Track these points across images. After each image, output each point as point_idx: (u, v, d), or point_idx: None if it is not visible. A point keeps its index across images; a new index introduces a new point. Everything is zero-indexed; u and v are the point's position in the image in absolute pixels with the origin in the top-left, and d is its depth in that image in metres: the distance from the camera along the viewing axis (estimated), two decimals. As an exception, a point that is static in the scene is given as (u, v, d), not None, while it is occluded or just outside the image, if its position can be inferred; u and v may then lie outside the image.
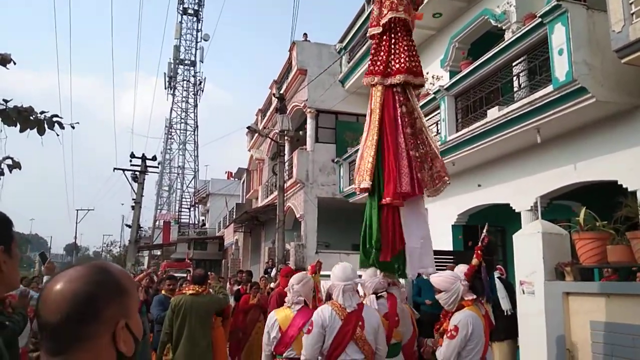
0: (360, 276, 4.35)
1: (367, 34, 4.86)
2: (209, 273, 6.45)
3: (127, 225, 28.23)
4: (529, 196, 8.69)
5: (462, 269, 5.50)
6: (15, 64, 3.33)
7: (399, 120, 4.40)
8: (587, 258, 5.21)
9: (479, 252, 4.02)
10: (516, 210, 9.12)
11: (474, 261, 3.97)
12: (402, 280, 4.98)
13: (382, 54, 4.59)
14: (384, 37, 4.60)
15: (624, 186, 6.89)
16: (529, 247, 5.80)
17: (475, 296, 3.79)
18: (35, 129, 3.14)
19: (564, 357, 5.20)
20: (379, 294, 4.17)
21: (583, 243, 5.23)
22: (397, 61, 4.49)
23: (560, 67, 6.85)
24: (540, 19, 7.18)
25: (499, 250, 11.50)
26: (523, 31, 7.68)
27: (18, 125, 3.11)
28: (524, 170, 8.85)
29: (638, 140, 6.85)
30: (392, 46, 4.53)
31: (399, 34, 4.54)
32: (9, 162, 2.87)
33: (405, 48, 4.51)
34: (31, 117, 3.15)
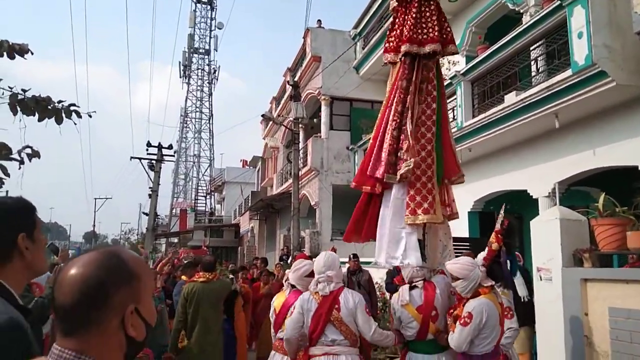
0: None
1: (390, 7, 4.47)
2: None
3: (144, 213, 28.56)
4: (547, 182, 8.58)
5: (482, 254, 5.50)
6: (32, 54, 3.38)
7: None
8: (607, 244, 5.16)
9: (499, 235, 3.88)
10: (533, 197, 9.02)
11: (494, 245, 3.83)
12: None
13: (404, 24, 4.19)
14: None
15: (645, 171, 6.77)
16: (547, 234, 5.75)
17: (493, 282, 3.71)
18: (53, 118, 3.18)
19: (582, 344, 5.17)
20: (413, 284, 3.85)
21: (602, 229, 5.17)
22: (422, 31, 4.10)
23: (579, 51, 6.71)
24: (559, 2, 7.03)
25: (516, 236, 11.43)
26: (541, 14, 7.53)
27: (36, 115, 3.16)
28: (542, 156, 8.73)
29: (660, 124, 6.71)
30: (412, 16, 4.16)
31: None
32: (29, 151, 2.91)
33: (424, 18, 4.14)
34: (49, 107, 3.19)
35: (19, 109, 3.13)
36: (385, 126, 4.12)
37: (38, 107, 3.07)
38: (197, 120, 49.88)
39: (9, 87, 3.03)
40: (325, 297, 3.80)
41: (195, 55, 49.79)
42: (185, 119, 49.85)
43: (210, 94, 50.27)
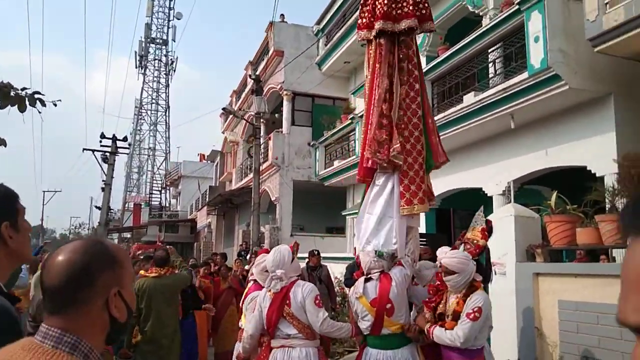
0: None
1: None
2: (168, 247, 6.40)
3: (96, 207, 27.70)
4: (502, 181, 8.91)
5: (445, 250, 5.66)
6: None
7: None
8: (558, 240, 5.41)
9: (485, 233, 4.03)
10: (488, 195, 9.34)
11: (482, 242, 3.96)
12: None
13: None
14: None
15: (593, 172, 7.13)
16: (502, 230, 5.96)
17: (482, 277, 3.74)
18: (16, 106, 3.06)
19: (533, 335, 5.42)
20: (369, 276, 3.74)
21: (554, 226, 5.43)
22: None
23: (535, 55, 6.99)
24: (517, 6, 7.29)
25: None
26: (500, 18, 7.79)
27: (-2, 102, 3.03)
28: (497, 156, 9.05)
29: (607, 127, 7.08)
30: None
31: None
32: (-8, 138, 2.80)
33: None
34: (11, 94, 3.07)
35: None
36: (370, 114, 3.90)
37: (0, 93, 2.95)
38: (153, 112, 48.72)
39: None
40: (276, 293, 3.84)
41: (153, 45, 48.56)
42: (141, 110, 48.55)
43: (167, 86, 49.21)
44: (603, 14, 6.13)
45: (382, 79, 3.75)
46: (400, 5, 3.81)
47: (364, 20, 4.00)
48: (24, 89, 3.12)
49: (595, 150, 7.12)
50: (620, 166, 4.78)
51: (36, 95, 3.30)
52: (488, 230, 4.07)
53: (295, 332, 3.77)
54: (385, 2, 3.78)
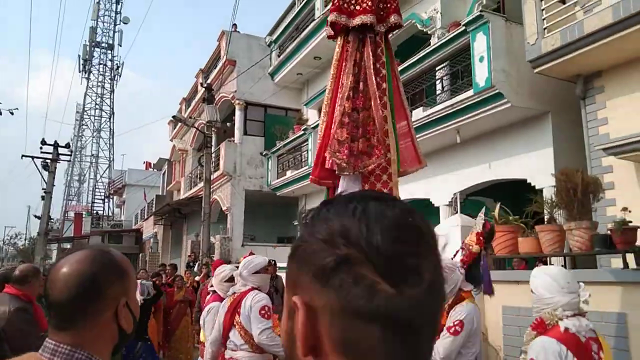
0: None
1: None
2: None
3: (35, 217, 26.41)
4: (448, 192, 9.30)
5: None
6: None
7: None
8: (502, 249, 5.73)
9: (480, 238, 3.63)
10: (435, 205, 9.71)
11: (475, 248, 3.56)
12: None
13: None
14: None
15: (532, 184, 7.59)
16: (449, 239, 6.26)
17: (472, 286, 3.42)
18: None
19: (480, 340, 5.69)
20: None
21: (497, 235, 5.74)
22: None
23: (480, 74, 7.41)
24: (464, 27, 7.70)
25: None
26: (447, 37, 8.20)
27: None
28: (444, 168, 9.44)
29: (546, 143, 7.58)
30: None
31: None
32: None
33: None
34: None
35: None
36: (333, 113, 3.61)
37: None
38: (96, 118, 47.02)
39: None
40: (232, 300, 3.76)
41: (98, 49, 47.03)
42: (83, 116, 46.78)
43: (112, 91, 47.66)
44: (542, 38, 6.60)
45: (347, 76, 3.52)
46: (357, 0, 3.55)
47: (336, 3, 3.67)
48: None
49: (535, 165, 7.59)
50: (557, 180, 5.14)
51: (-9, 103, 3.20)
52: (485, 235, 3.70)
53: (242, 343, 3.65)
54: None
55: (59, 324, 1.08)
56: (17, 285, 3.45)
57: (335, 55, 3.66)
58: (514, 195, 7.79)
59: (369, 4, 3.48)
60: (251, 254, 4.87)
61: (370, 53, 3.51)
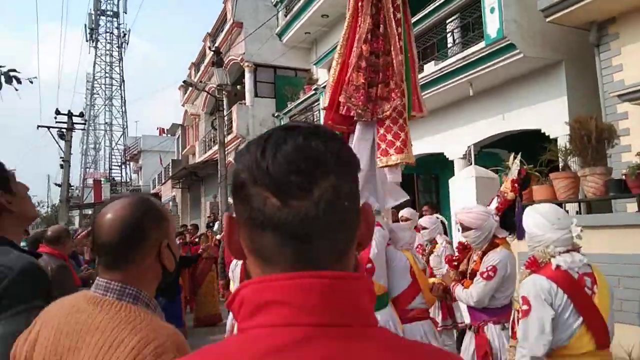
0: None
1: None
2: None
3: (56, 184, 26.98)
4: (462, 145, 9.36)
5: (411, 211, 6.03)
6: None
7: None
8: (516, 198, 5.86)
9: (515, 185, 3.64)
10: (449, 159, 9.79)
11: (510, 195, 3.58)
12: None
13: None
14: None
15: (547, 134, 7.62)
16: (464, 190, 6.41)
17: (508, 233, 3.46)
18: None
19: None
20: None
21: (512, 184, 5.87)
22: None
23: (491, 25, 7.34)
24: (474, -22, 7.58)
25: (433, 194, 12.35)
26: (458, -12, 8.06)
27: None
28: (457, 121, 9.47)
29: (560, 92, 7.56)
30: None
31: None
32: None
33: None
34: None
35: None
36: (349, 56, 3.52)
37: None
38: (107, 86, 47.12)
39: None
40: None
41: (103, 17, 46.61)
42: (94, 85, 46.90)
43: (121, 59, 47.57)
44: (554, -15, 6.50)
45: (365, 17, 3.41)
46: None
47: None
48: (-1, 66, 3.19)
49: (549, 114, 7.60)
50: (572, 128, 5.20)
51: (12, 73, 3.37)
52: (520, 182, 3.71)
53: None
54: None
55: (109, 264, 1.19)
56: (51, 245, 3.68)
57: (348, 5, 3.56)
58: (529, 146, 7.79)
59: None
60: None
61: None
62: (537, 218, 2.53)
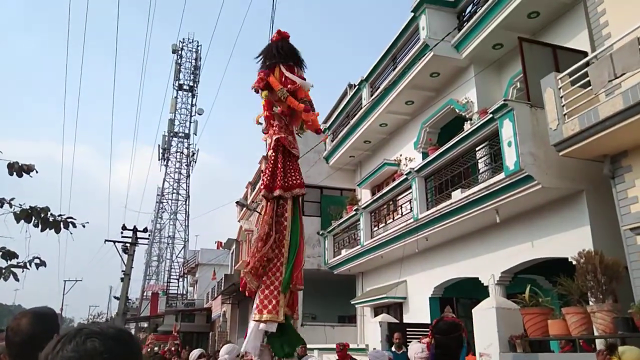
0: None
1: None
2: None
3: (115, 297, 28.14)
4: (494, 270, 9.36)
5: (416, 346, 6.14)
6: (37, 172, 4.11)
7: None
8: (533, 331, 5.83)
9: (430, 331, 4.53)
10: (484, 284, 9.75)
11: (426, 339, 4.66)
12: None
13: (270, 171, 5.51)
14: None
15: (574, 263, 7.58)
16: (486, 321, 6.41)
17: None
18: (52, 229, 3.85)
19: None
20: None
21: (529, 317, 5.87)
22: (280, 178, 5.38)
23: (509, 157, 7.76)
24: (491, 115, 8.19)
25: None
26: (477, 124, 8.68)
27: (39, 226, 3.83)
28: (488, 247, 9.58)
29: (582, 221, 7.65)
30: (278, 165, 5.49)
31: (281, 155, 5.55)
32: (37, 261, 3.56)
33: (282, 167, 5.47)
34: (49, 219, 3.88)
35: (24, 221, 3.80)
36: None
37: (41, 219, 3.76)
38: (173, 201, 50.30)
39: (20, 204, 3.71)
40: None
41: (175, 139, 51.22)
42: (162, 200, 50.23)
43: (188, 176, 51.16)
44: (562, 123, 6.95)
45: (264, 225, 5.22)
46: (274, 179, 5.34)
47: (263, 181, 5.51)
48: (59, 215, 3.92)
49: (574, 243, 7.62)
50: (576, 262, 5.30)
51: (69, 220, 4.09)
52: (433, 329, 4.54)
53: None
54: (266, 177, 5.40)
55: None
56: None
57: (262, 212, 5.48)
58: (567, 272, 7.79)
59: (279, 182, 5.29)
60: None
61: (278, 212, 5.25)
62: None
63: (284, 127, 5.65)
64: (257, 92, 5.48)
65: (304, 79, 5.59)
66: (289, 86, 5.38)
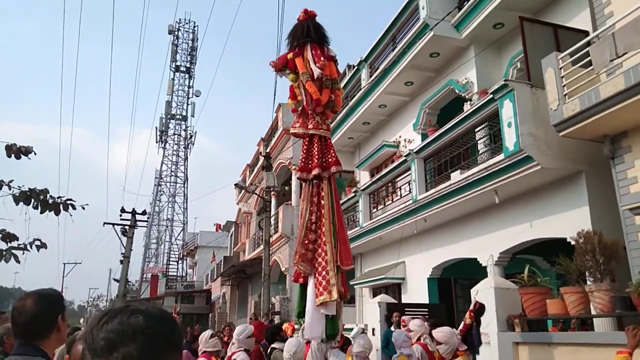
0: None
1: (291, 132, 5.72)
2: None
3: (114, 280, 28.30)
4: (492, 251, 9.41)
5: (417, 322, 6.21)
6: (35, 154, 4.08)
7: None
8: (531, 311, 5.87)
9: (472, 313, 5.31)
10: (482, 265, 9.80)
11: (468, 321, 5.27)
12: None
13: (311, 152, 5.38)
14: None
15: (572, 243, 7.62)
16: (484, 301, 6.45)
17: (466, 347, 4.99)
18: (52, 211, 3.84)
19: (515, 402, 5.76)
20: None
21: (527, 297, 5.90)
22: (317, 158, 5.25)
23: (509, 138, 7.74)
24: (491, 95, 8.14)
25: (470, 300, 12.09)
26: (477, 105, 8.63)
27: (39, 208, 3.82)
28: (486, 228, 9.60)
29: (581, 202, 7.66)
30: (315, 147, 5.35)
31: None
32: (38, 243, 3.55)
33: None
34: (49, 201, 3.86)
35: (23, 203, 3.79)
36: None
37: (41, 202, 3.74)
38: (171, 184, 50.27)
39: (18, 186, 3.69)
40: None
41: (172, 121, 50.94)
42: (160, 182, 50.19)
43: (186, 159, 51.03)
44: (563, 103, 6.91)
45: (302, 211, 5.17)
46: (310, 159, 5.24)
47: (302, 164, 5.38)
48: (59, 197, 3.91)
49: (572, 223, 7.64)
50: (575, 242, 5.32)
51: (68, 202, 4.08)
52: (475, 311, 5.40)
53: None
54: (302, 158, 5.31)
55: None
56: None
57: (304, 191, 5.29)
58: (566, 252, 7.83)
59: (316, 161, 5.17)
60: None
61: (314, 192, 5.15)
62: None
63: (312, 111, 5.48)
64: (277, 71, 5.42)
65: (333, 57, 5.50)
66: (318, 64, 5.23)
